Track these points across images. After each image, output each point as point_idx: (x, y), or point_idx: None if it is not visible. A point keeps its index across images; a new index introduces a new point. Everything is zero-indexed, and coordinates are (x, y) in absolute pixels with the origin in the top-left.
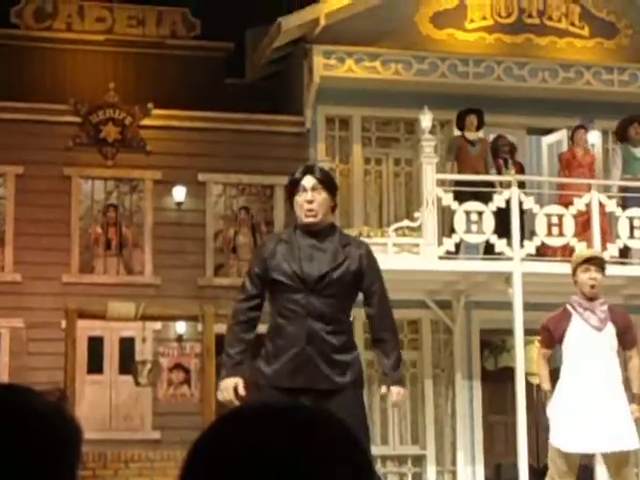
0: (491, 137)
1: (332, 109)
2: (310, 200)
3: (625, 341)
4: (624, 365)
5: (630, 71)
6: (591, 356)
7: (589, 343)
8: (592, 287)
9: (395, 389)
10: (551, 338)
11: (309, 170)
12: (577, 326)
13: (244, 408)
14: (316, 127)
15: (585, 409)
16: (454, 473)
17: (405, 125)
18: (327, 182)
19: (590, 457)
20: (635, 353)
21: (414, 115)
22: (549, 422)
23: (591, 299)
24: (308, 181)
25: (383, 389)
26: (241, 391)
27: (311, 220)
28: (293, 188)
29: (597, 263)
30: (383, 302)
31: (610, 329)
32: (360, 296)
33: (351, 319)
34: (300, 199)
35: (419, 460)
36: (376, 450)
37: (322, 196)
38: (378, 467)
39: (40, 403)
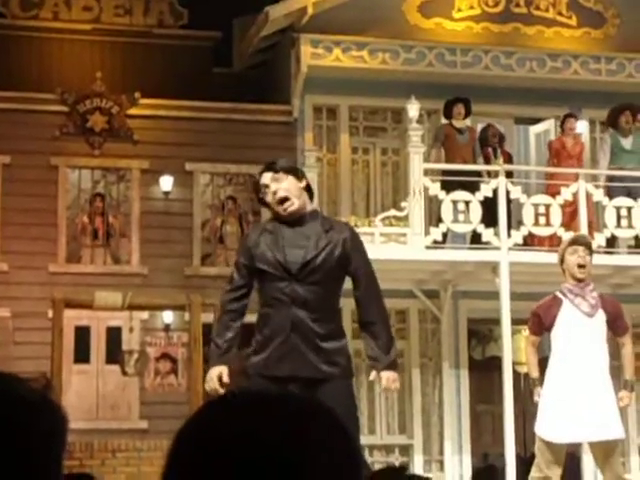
0: (479, 126)
1: (319, 98)
2: (274, 191)
3: (617, 328)
4: (613, 352)
5: (618, 60)
6: (581, 342)
7: (580, 329)
8: (581, 267)
9: (385, 374)
10: (541, 324)
11: (264, 169)
12: (568, 312)
13: (231, 395)
14: (303, 116)
15: (572, 398)
16: (441, 462)
17: (392, 114)
18: (284, 167)
19: (577, 445)
20: (627, 340)
21: (401, 104)
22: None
23: (581, 281)
24: (265, 178)
25: (372, 375)
26: (225, 379)
27: (290, 210)
28: (258, 193)
29: (584, 243)
30: (370, 285)
31: (601, 315)
32: (348, 285)
33: (340, 307)
34: (269, 197)
35: (406, 449)
36: (363, 440)
37: (285, 181)
38: (365, 456)
39: (25, 391)
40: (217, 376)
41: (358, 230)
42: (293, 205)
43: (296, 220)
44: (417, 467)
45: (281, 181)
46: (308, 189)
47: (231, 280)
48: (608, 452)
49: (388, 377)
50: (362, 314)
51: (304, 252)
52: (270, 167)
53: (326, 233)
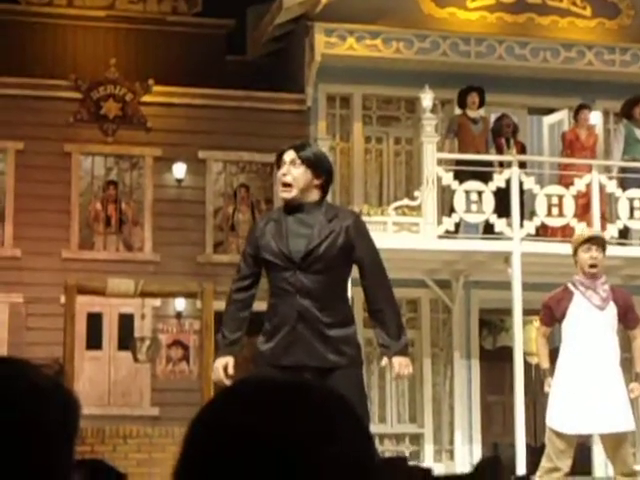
0: (492, 116)
1: (333, 87)
2: (284, 173)
3: (628, 320)
4: (623, 345)
5: (632, 51)
6: (592, 335)
7: (591, 322)
8: (593, 266)
9: (397, 359)
10: (552, 316)
11: (293, 146)
12: (579, 305)
13: (241, 384)
14: (317, 105)
15: (583, 390)
16: (451, 452)
17: (406, 104)
18: (308, 158)
19: (587, 436)
20: (638, 332)
21: (415, 94)
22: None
23: (593, 277)
24: (288, 155)
25: (384, 361)
26: (230, 370)
27: (285, 195)
28: (277, 164)
29: (598, 242)
30: (377, 272)
31: (612, 308)
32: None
33: (349, 295)
34: (278, 173)
35: (417, 439)
36: (374, 428)
37: (299, 170)
38: (376, 445)
39: (38, 377)
40: (223, 366)
41: (370, 219)
42: (289, 192)
43: (300, 209)
44: (427, 456)
45: (296, 167)
46: (324, 187)
47: (238, 270)
48: (618, 443)
49: (400, 362)
50: (370, 302)
51: (307, 241)
52: (298, 148)
53: (329, 222)
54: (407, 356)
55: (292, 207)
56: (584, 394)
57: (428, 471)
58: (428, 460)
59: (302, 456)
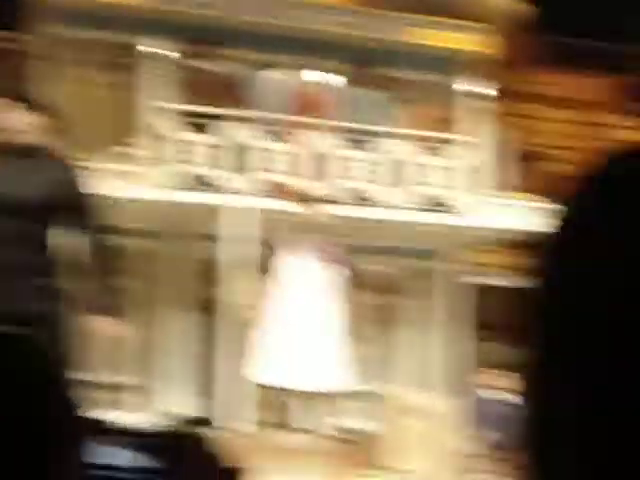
0: (222, 70)
1: (49, 28)
2: None
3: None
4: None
5: (363, 14)
6: (301, 291)
7: (300, 279)
8: (301, 223)
9: (102, 319)
10: (265, 269)
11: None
12: (288, 261)
13: None
14: (33, 47)
15: (290, 343)
16: (153, 403)
17: (125, 50)
18: (19, 98)
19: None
20: None
21: (135, 41)
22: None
23: (301, 234)
24: None
25: (89, 320)
26: None
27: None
28: None
29: (305, 199)
30: (87, 226)
31: (325, 268)
32: None
33: (52, 245)
34: None
35: (119, 389)
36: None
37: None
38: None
39: None
40: None
41: (85, 166)
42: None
43: (11, 153)
44: (130, 406)
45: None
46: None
47: None
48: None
49: (104, 321)
50: (81, 258)
51: (12, 190)
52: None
53: (39, 174)
54: (110, 315)
55: (4, 150)
56: (290, 349)
57: (99, 422)
58: (130, 410)
59: None
